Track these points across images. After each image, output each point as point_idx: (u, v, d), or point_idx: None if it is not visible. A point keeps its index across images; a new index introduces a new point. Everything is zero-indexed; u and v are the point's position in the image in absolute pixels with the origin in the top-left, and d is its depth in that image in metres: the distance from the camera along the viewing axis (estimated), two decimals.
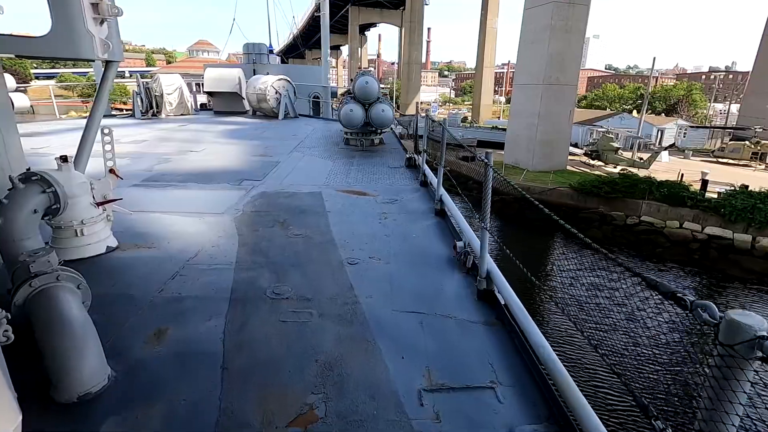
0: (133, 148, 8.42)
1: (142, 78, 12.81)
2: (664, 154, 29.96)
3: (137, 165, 7.07)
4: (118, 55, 2.99)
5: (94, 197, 3.57)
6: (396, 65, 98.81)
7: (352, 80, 8.10)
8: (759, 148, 29.00)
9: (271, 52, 16.68)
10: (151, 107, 11.99)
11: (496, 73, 66.91)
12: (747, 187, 17.35)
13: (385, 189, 6.09)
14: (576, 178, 21.52)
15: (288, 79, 12.22)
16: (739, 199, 16.20)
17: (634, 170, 23.40)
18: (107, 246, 3.71)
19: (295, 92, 12.37)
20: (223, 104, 14.24)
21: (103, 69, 3.24)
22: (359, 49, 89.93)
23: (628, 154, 27.98)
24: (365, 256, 3.84)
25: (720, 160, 30.95)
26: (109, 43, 2.73)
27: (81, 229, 3.48)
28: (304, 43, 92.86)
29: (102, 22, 2.66)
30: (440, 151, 5.11)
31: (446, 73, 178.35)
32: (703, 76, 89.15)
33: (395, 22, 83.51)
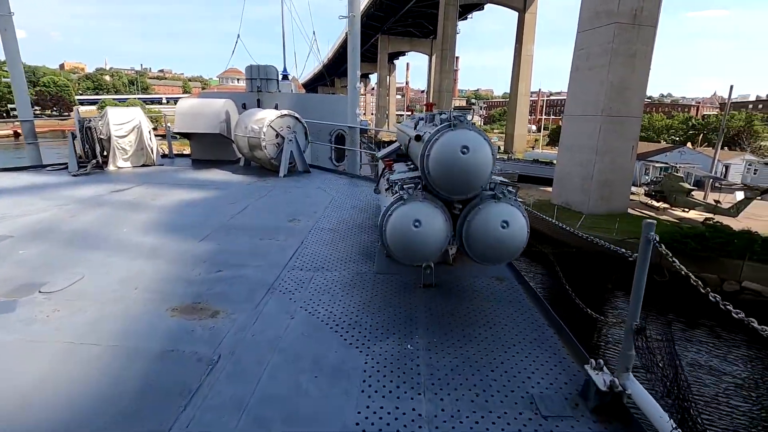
0: None
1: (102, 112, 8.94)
2: (739, 193, 25.95)
3: None
4: None
5: None
6: (425, 93, 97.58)
7: (417, 138, 3.31)
8: None
9: (285, 77, 13.94)
10: (94, 155, 8.36)
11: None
12: None
13: None
14: None
15: (296, 115, 8.32)
16: None
17: (715, 217, 19.63)
18: None
19: (307, 134, 8.60)
20: (203, 150, 10.13)
21: None
22: (388, 77, 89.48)
23: (698, 195, 24.18)
24: None
25: None
26: None
27: None
28: (334, 70, 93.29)
29: None
30: None
31: (473, 100, 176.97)
32: (750, 106, 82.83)
33: (425, 50, 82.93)
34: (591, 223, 19.68)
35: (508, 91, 61.62)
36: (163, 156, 10.38)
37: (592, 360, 2.21)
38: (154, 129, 9.77)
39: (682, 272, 1.72)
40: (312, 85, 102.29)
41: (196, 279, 3.82)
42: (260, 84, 10.40)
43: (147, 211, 6.10)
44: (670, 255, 1.69)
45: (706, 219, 17.98)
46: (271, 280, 3.79)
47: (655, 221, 1.82)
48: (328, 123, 10.76)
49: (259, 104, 10.21)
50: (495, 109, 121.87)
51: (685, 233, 16.00)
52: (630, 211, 23.01)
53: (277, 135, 7.84)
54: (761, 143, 46.45)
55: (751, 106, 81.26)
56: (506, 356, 2.70)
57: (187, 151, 11.57)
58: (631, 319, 1.83)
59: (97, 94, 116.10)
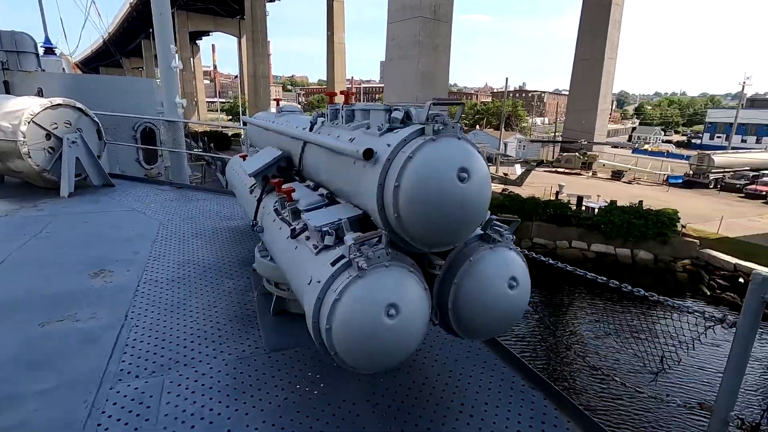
0: None
1: None
2: (517, 166, 32.36)
3: None
4: None
5: None
6: (237, 78, 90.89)
7: (367, 155, 1.64)
8: (587, 158, 33.56)
9: (49, 51, 10.09)
10: None
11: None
12: (616, 202, 18.39)
13: None
14: None
15: (79, 105, 5.64)
16: (616, 216, 16.87)
17: (508, 188, 23.85)
18: None
19: (100, 133, 5.94)
20: None
21: None
22: (192, 59, 79.83)
23: (491, 169, 29.05)
24: None
25: (558, 169, 34.96)
26: None
27: None
28: (122, 47, 77.86)
29: None
30: None
31: (290, 87, 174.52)
32: (511, 95, 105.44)
33: (232, 31, 76.66)
34: None
35: (324, 78, 62.53)
36: None
37: None
38: None
39: None
40: (92, 64, 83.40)
41: None
42: (6, 59, 7.04)
43: None
44: None
45: (504, 189, 21.52)
46: (74, 429, 1.76)
47: None
48: (138, 116, 8.08)
49: (7, 88, 7.00)
50: (313, 95, 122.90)
51: (491, 204, 18.80)
52: None
53: (49, 135, 5.22)
54: (523, 125, 59.07)
55: (511, 95, 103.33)
56: None
57: None
58: (726, 408, 1.29)
59: None
